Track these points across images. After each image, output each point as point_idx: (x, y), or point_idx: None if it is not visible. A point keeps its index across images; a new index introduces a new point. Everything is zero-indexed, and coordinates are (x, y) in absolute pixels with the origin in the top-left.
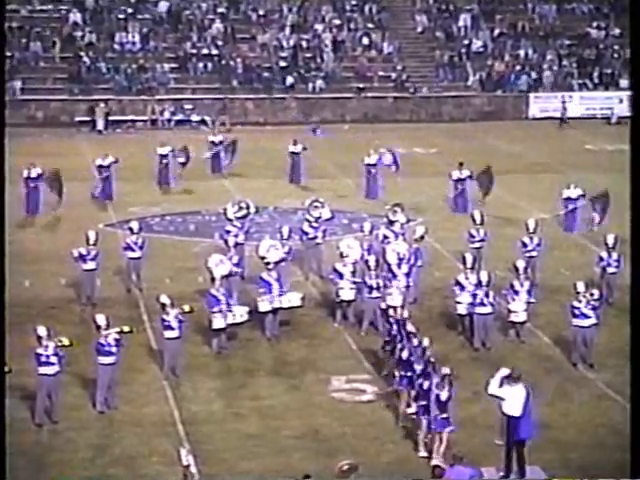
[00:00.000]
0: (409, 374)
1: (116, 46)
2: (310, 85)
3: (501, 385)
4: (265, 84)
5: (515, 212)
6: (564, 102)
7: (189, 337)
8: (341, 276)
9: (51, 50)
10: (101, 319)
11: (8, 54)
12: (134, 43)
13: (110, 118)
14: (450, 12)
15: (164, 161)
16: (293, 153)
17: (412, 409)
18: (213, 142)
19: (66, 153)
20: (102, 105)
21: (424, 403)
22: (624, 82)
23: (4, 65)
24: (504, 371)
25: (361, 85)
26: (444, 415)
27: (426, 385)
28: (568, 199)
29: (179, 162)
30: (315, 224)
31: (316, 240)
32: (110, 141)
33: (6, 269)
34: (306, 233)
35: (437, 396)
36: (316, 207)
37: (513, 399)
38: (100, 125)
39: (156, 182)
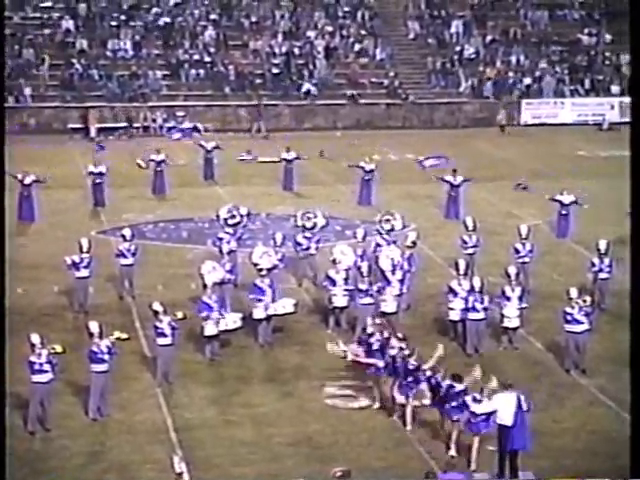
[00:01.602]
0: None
1: (108, 53)
2: (303, 92)
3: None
4: (257, 91)
5: (507, 218)
6: (504, 109)
7: (182, 344)
8: (334, 283)
9: (44, 57)
10: (94, 326)
11: None
12: (126, 50)
13: (102, 125)
14: (442, 19)
15: (158, 168)
16: (286, 160)
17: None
18: (205, 149)
19: (59, 160)
20: (93, 112)
21: (458, 403)
22: (615, 88)
23: (4, 69)
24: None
25: (354, 92)
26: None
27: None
28: (561, 204)
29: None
30: (308, 234)
31: (309, 251)
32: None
33: (6, 275)
34: (299, 244)
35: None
36: (309, 218)
37: (504, 408)
38: (93, 132)
39: (150, 189)
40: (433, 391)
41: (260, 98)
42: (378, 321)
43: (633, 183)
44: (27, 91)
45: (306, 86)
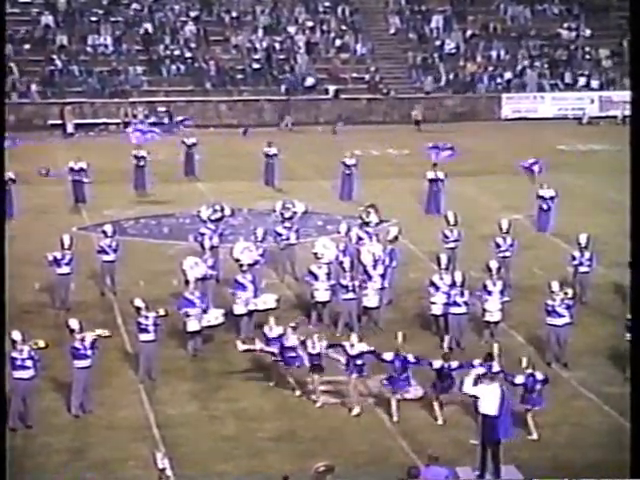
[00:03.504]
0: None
1: (88, 49)
2: (283, 87)
3: (476, 384)
4: (238, 86)
5: (489, 212)
6: (418, 104)
7: (164, 340)
8: (316, 277)
9: (23, 53)
10: (74, 323)
11: None
12: (106, 46)
13: (83, 121)
14: (422, 13)
15: (140, 164)
16: (267, 155)
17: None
18: (186, 144)
19: (38, 156)
20: (69, 108)
21: (449, 382)
22: (595, 83)
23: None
24: (479, 370)
25: (334, 87)
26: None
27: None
28: (542, 199)
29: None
30: (288, 224)
31: (290, 241)
32: (83, 144)
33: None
34: (280, 234)
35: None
36: (287, 208)
37: (489, 398)
38: (70, 128)
39: (132, 185)
40: (441, 378)
41: (289, 94)
42: (293, 324)
43: (633, 181)
44: (34, 87)
45: (309, 80)
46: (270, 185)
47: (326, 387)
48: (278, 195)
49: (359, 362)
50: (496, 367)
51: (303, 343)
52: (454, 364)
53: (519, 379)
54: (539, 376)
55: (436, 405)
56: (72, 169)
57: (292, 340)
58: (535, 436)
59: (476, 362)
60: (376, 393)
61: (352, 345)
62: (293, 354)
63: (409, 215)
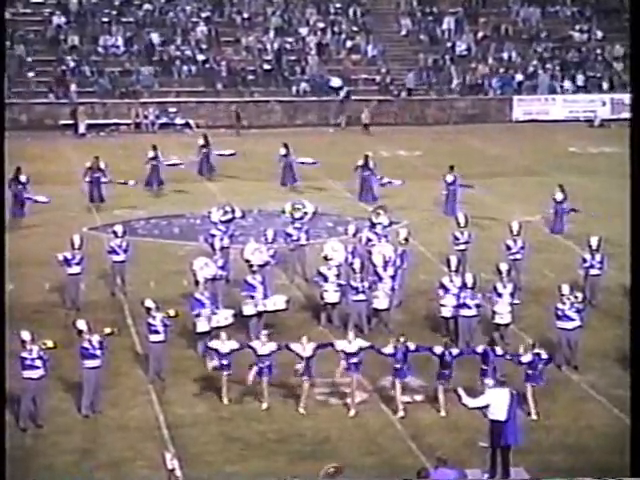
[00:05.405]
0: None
1: (100, 49)
2: (294, 88)
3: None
4: (249, 87)
5: (500, 214)
6: (367, 107)
7: (174, 340)
8: (326, 279)
9: (35, 53)
10: (81, 324)
11: None
12: (118, 46)
13: (94, 121)
14: (434, 15)
15: (153, 164)
16: (283, 156)
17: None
18: (200, 145)
19: (50, 156)
20: (82, 108)
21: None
22: (607, 85)
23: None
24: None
25: (345, 88)
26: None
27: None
28: (557, 202)
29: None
30: (298, 225)
31: (300, 242)
32: (94, 144)
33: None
34: (290, 235)
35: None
36: (298, 209)
37: (498, 403)
38: (82, 128)
39: (144, 185)
40: (443, 366)
41: (338, 94)
42: (266, 332)
43: (633, 182)
44: (73, 87)
45: (335, 81)
46: (290, 185)
47: (323, 389)
48: (289, 195)
49: (356, 360)
50: (499, 350)
51: (287, 347)
52: (455, 351)
53: (526, 358)
54: (543, 355)
55: (441, 396)
56: (91, 169)
57: (267, 347)
58: (534, 416)
59: (479, 349)
60: (384, 393)
61: (349, 342)
62: (267, 362)
63: (420, 216)
